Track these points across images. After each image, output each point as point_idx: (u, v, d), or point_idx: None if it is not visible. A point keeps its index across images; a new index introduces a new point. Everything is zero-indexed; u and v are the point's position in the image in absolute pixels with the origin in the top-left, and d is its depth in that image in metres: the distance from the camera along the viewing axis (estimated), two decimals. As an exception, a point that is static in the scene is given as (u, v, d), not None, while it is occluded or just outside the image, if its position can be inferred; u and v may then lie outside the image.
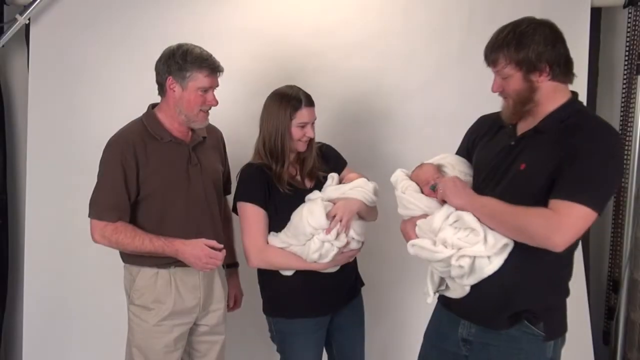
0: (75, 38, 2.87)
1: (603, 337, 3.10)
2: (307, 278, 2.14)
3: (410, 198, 1.90)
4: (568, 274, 1.81)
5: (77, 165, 2.88)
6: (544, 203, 1.64)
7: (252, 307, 2.65)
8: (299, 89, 2.19)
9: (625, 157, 2.91)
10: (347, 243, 2.10)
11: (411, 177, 1.98)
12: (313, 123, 2.18)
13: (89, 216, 2.11)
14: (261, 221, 2.13)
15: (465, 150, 2.00)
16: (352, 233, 2.11)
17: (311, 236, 2.06)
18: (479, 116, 2.03)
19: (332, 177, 2.21)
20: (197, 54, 2.06)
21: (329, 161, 2.27)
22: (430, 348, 2.00)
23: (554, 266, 1.73)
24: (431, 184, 1.89)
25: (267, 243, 2.14)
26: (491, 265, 1.70)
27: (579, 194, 1.59)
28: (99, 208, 2.08)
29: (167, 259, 2.10)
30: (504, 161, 1.78)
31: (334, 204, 2.11)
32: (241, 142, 2.85)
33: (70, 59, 2.88)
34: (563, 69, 1.71)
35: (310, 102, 2.17)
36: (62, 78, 2.89)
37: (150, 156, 2.08)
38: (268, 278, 2.23)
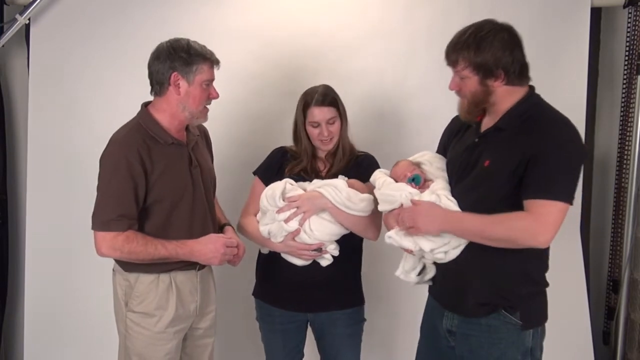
0: (75, 38, 2.86)
1: (603, 337, 3.10)
2: (282, 269, 2.18)
3: (388, 190, 1.97)
4: (542, 265, 1.87)
5: (78, 165, 2.88)
6: (508, 199, 1.73)
7: (243, 310, 2.67)
8: (324, 87, 2.22)
9: (625, 157, 2.94)
10: (297, 232, 2.09)
11: (390, 175, 2.05)
12: (332, 122, 2.19)
13: (93, 229, 1.98)
14: (257, 194, 2.21)
15: (443, 148, 2.09)
16: (307, 225, 2.09)
17: (267, 210, 2.13)
18: None
19: (342, 178, 2.18)
20: (199, 47, 2.03)
21: (359, 169, 2.24)
22: (425, 341, 2.08)
23: (525, 256, 1.79)
24: (408, 176, 1.97)
25: (255, 215, 2.23)
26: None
27: (553, 191, 1.69)
28: (106, 219, 1.95)
29: (167, 265, 2.04)
30: (469, 158, 1.86)
31: None
32: (241, 142, 2.88)
33: (71, 58, 2.87)
34: (518, 75, 1.78)
35: (324, 102, 2.17)
36: (62, 78, 2.88)
37: (155, 161, 2.00)
38: (259, 258, 2.33)
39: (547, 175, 1.69)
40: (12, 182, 3.10)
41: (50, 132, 2.90)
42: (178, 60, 1.99)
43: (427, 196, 1.88)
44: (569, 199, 1.71)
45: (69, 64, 2.88)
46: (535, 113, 1.77)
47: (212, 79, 2.06)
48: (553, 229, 1.71)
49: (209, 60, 2.02)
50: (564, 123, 1.76)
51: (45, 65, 2.88)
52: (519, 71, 1.77)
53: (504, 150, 1.76)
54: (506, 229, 1.73)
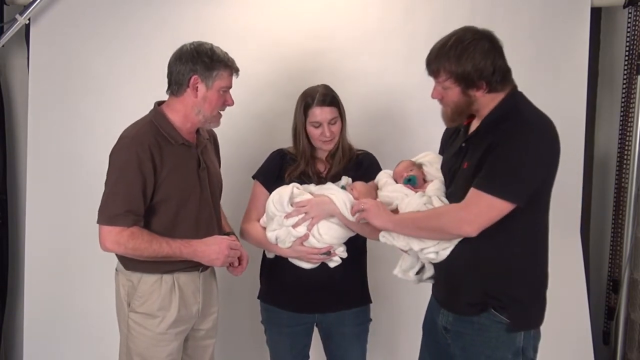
0: (75, 38, 2.86)
1: (603, 337, 3.10)
2: (289, 271, 2.17)
3: (386, 192, 2.01)
4: (538, 266, 1.85)
5: (77, 165, 2.88)
6: None
7: (246, 312, 2.67)
8: (324, 87, 2.23)
9: (625, 157, 2.94)
10: (306, 236, 2.08)
11: (392, 176, 2.09)
12: (334, 122, 2.19)
13: (98, 222, 1.99)
14: (259, 199, 2.22)
15: (442, 151, 2.11)
16: (315, 230, 2.09)
17: (274, 216, 2.12)
18: None
19: (346, 179, 2.18)
20: (222, 53, 2.04)
21: (359, 169, 2.24)
22: (426, 337, 2.10)
23: (517, 256, 1.79)
24: (405, 177, 2.00)
25: (257, 220, 2.22)
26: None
27: (488, 185, 1.70)
28: (113, 213, 1.96)
29: (170, 265, 2.04)
30: (456, 162, 1.88)
31: None
32: (241, 142, 2.88)
33: (70, 58, 2.87)
34: (501, 81, 1.76)
35: (325, 102, 2.17)
36: (62, 78, 2.88)
37: (165, 160, 2.00)
38: (263, 262, 2.32)
39: (491, 169, 1.70)
40: (12, 182, 3.10)
41: (50, 132, 2.90)
42: (200, 63, 2.00)
43: (417, 198, 1.91)
44: (510, 198, 1.68)
45: (69, 64, 2.87)
46: (509, 115, 1.75)
47: (230, 87, 2.08)
48: (478, 220, 1.71)
49: (230, 67, 2.05)
50: (535, 125, 1.74)
51: (45, 65, 2.88)
52: (501, 78, 1.76)
53: (478, 153, 1.77)
54: (436, 221, 1.78)
